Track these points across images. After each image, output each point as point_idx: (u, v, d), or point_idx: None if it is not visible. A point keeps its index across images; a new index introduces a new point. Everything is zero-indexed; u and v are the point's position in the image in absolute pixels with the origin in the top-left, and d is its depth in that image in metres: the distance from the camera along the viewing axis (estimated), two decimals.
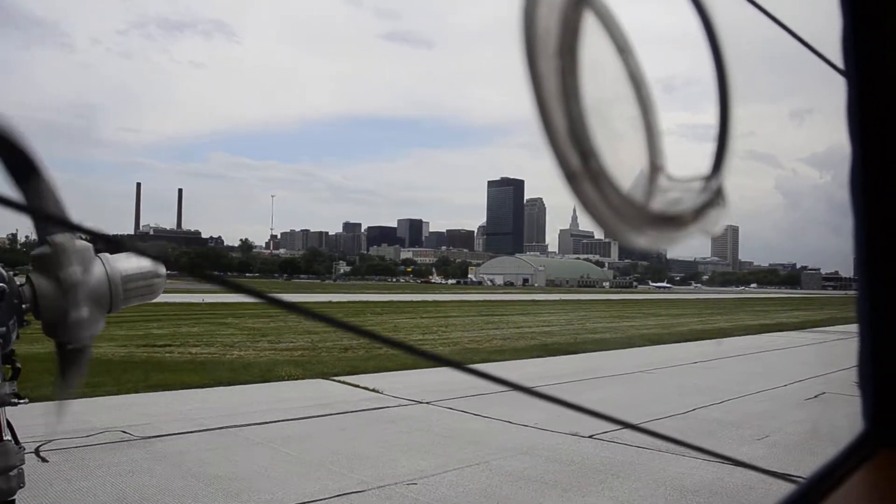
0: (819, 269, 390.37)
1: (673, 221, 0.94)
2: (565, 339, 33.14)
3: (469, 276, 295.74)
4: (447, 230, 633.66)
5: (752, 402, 16.60)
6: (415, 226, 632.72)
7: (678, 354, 27.20)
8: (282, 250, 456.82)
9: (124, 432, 12.33)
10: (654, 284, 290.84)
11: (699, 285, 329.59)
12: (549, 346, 29.56)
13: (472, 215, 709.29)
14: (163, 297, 3.05)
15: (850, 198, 1.65)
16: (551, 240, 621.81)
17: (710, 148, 0.99)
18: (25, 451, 2.60)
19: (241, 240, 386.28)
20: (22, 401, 2.55)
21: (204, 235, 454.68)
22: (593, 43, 0.83)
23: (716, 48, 0.98)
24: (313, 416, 14.19)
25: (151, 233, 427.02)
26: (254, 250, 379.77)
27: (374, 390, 17.41)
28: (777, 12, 1.22)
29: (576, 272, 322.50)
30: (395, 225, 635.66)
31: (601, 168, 0.81)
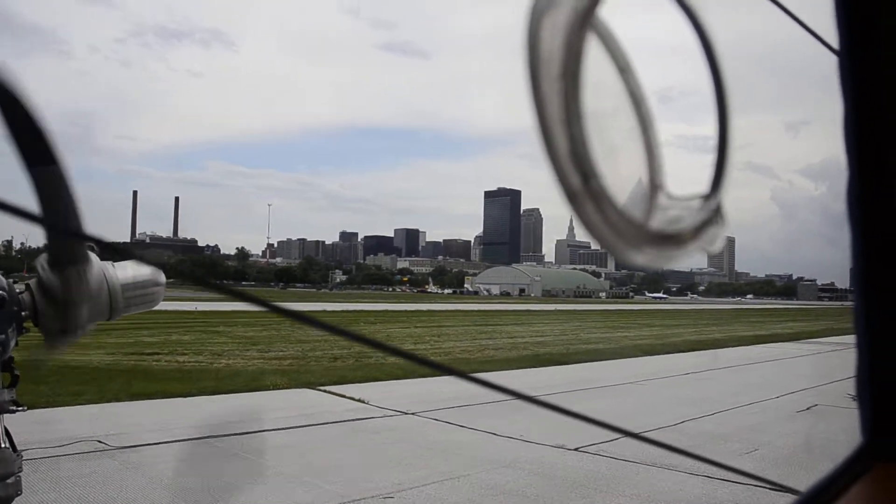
0: (815, 280, 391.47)
1: (672, 240, 0.94)
2: (557, 350, 32.85)
3: (465, 285, 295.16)
4: (444, 240, 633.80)
5: (743, 414, 16.33)
6: (411, 235, 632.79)
7: (671, 365, 26.94)
8: (278, 259, 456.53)
9: (100, 442, 12.04)
10: (651, 295, 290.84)
11: (695, 296, 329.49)
12: (541, 357, 29.31)
13: (468, 225, 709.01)
14: (157, 305, 2.94)
15: (847, 207, 1.63)
16: (548, 250, 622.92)
17: (707, 159, 0.99)
18: (24, 459, 2.57)
19: (237, 248, 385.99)
20: (20, 408, 2.51)
21: (200, 244, 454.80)
22: (595, 64, 0.83)
23: (712, 61, 0.98)
24: (294, 427, 13.89)
25: (147, 241, 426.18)
26: (250, 259, 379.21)
27: (359, 400, 17.13)
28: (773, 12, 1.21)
29: (572, 282, 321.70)
30: (391, 234, 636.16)
31: (601, 188, 0.82)
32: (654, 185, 0.95)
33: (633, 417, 15.01)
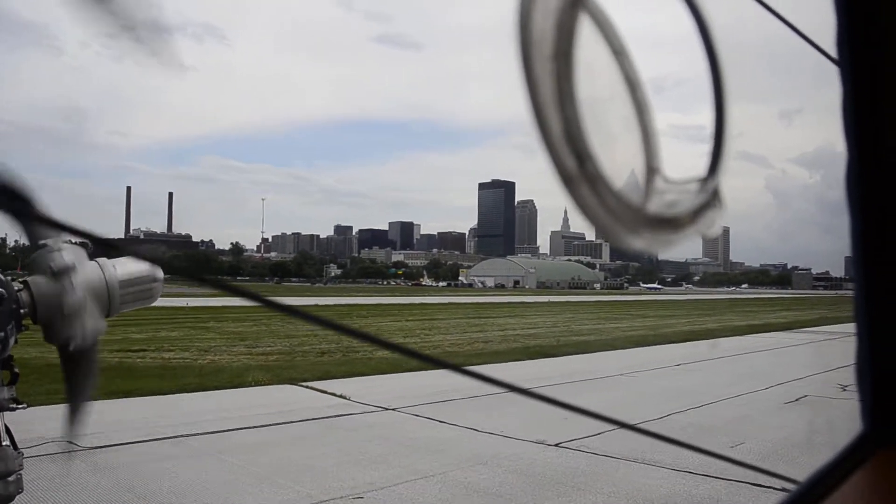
0: (810, 269, 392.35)
1: (670, 223, 0.95)
2: (548, 342, 32.58)
3: (460, 278, 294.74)
4: (438, 232, 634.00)
5: (732, 406, 16.03)
6: (406, 228, 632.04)
7: (662, 356, 26.66)
8: (273, 254, 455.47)
9: (70, 442, 11.69)
10: (645, 286, 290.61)
11: (690, 286, 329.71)
12: (531, 349, 29.02)
13: (463, 217, 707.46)
14: (155, 301, 3.03)
15: (846, 194, 1.64)
16: (543, 241, 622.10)
17: (702, 149, 1.00)
18: (24, 457, 2.63)
19: (231, 243, 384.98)
20: (20, 406, 2.58)
21: (195, 239, 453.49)
22: (588, 46, 0.83)
23: (710, 49, 0.98)
24: (272, 424, 13.59)
25: (142, 237, 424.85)
26: (245, 254, 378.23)
27: (341, 396, 16.83)
28: (772, 5, 1.22)
29: (567, 274, 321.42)
30: (386, 228, 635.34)
31: (597, 171, 0.82)
32: (651, 168, 0.95)
33: (620, 410, 14.67)
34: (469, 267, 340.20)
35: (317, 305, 63.96)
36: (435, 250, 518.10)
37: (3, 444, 2.60)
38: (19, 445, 2.70)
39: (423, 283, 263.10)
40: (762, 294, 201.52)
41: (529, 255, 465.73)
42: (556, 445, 11.99)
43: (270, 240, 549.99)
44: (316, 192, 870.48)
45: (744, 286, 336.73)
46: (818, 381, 19.95)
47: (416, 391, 17.42)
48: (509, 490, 9.69)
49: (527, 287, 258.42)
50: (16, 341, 2.53)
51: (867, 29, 1.55)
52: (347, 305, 68.19)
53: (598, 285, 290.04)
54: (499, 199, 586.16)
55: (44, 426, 12.29)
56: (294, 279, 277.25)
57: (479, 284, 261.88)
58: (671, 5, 0.95)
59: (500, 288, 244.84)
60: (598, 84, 0.89)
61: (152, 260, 3.70)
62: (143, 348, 27.22)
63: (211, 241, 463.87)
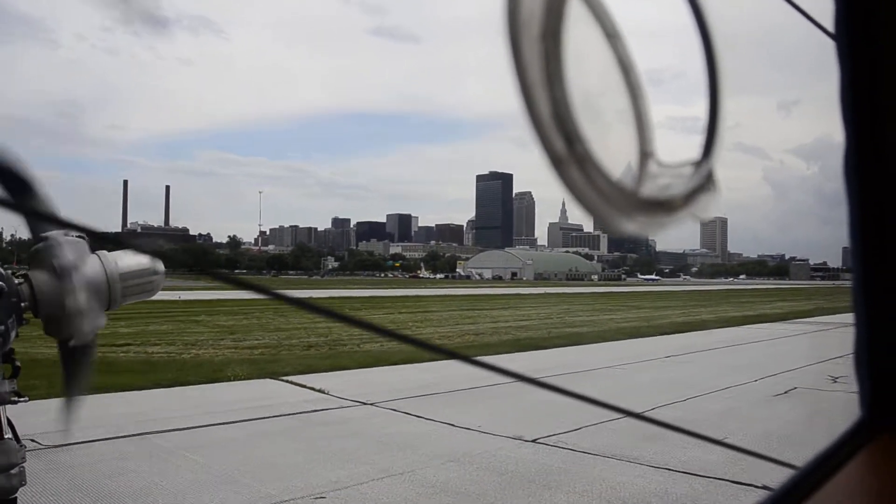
0: (807, 260, 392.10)
1: (663, 206, 0.94)
2: (539, 334, 32.22)
3: (457, 270, 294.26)
4: (436, 225, 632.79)
5: (718, 399, 15.59)
6: (404, 221, 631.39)
7: (653, 348, 26.34)
8: (270, 247, 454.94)
9: (33, 440, 11.28)
10: (643, 277, 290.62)
11: (688, 277, 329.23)
12: (521, 342, 28.65)
13: (461, 210, 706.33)
14: (155, 294, 3.01)
15: (844, 180, 1.64)
16: (541, 233, 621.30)
17: (699, 140, 1.00)
18: (27, 450, 2.64)
19: (229, 236, 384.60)
20: (22, 399, 2.60)
21: (192, 232, 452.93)
22: (579, 27, 0.83)
23: (705, 36, 0.98)
24: (244, 420, 13.20)
25: (139, 230, 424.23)
26: (242, 247, 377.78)
27: (320, 391, 16.45)
28: None
29: (564, 265, 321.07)
30: (384, 220, 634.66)
31: (587, 153, 0.81)
32: (644, 152, 0.94)
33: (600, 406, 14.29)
34: (467, 259, 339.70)
35: (311, 298, 63.17)
36: (433, 242, 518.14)
37: (6, 437, 2.60)
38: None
39: (421, 276, 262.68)
40: (759, 285, 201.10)
41: (527, 247, 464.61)
42: (534, 441, 11.60)
43: (268, 233, 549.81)
44: (313, 184, 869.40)
45: (741, 277, 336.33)
46: (809, 373, 19.61)
47: (397, 385, 17.11)
48: (478, 489, 9.27)
49: (524, 279, 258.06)
50: (17, 335, 2.53)
51: (866, 5, 1.54)
52: (342, 298, 67.77)
53: (595, 276, 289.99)
54: (496, 190, 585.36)
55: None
56: (291, 272, 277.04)
57: (477, 276, 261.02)
58: None
59: (497, 280, 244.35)
60: (589, 66, 0.88)
61: (153, 253, 3.75)
62: (128, 342, 26.83)
63: (209, 234, 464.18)
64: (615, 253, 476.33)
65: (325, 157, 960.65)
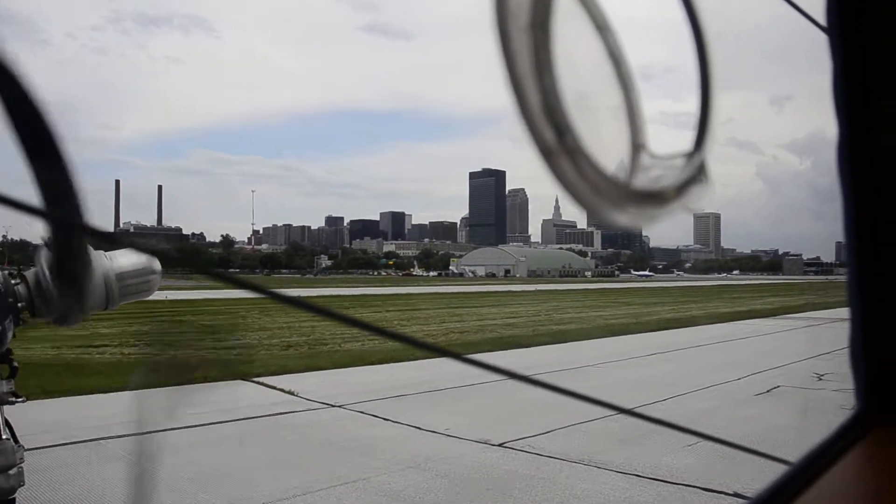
0: (801, 255, 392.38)
1: (654, 198, 0.94)
2: (524, 332, 31.77)
3: (450, 267, 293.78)
4: (430, 222, 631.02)
5: (698, 398, 15.12)
6: (397, 218, 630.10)
7: (638, 346, 25.81)
8: (264, 245, 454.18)
9: None
10: (636, 273, 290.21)
11: (681, 273, 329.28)
12: (505, 340, 28.20)
13: (455, 207, 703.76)
14: (153, 294, 2.83)
15: (838, 172, 1.65)
16: (534, 230, 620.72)
17: (691, 135, 1.00)
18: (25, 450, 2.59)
19: (222, 235, 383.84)
20: (20, 399, 2.54)
21: (186, 232, 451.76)
22: (568, 19, 0.83)
23: (697, 29, 0.98)
24: (205, 424, 12.67)
25: (132, 230, 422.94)
26: (235, 246, 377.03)
27: (289, 392, 15.98)
28: None
29: (558, 262, 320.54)
30: (377, 218, 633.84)
31: (577, 144, 0.81)
32: (636, 144, 0.94)
33: (574, 407, 13.73)
34: (461, 256, 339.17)
35: (300, 297, 63.04)
36: (426, 240, 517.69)
37: (3, 437, 2.52)
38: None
39: (414, 273, 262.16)
40: (752, 280, 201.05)
41: (521, 244, 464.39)
42: (500, 445, 11.15)
43: (262, 231, 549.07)
44: (306, 183, 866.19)
45: (735, 272, 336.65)
46: (794, 371, 19.19)
47: (370, 386, 16.69)
48: (433, 497, 8.80)
49: (517, 276, 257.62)
50: (14, 335, 2.45)
51: (859, 6, 1.56)
52: (332, 296, 67.32)
53: (588, 273, 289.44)
54: (490, 188, 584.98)
55: None
56: (285, 271, 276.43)
57: (470, 274, 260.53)
58: None
59: (490, 277, 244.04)
60: (579, 58, 0.87)
61: (151, 252, 3.28)
62: (106, 344, 26.30)
63: (202, 233, 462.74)
64: (609, 249, 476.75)
65: (317, 155, 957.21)
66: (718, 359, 22.57)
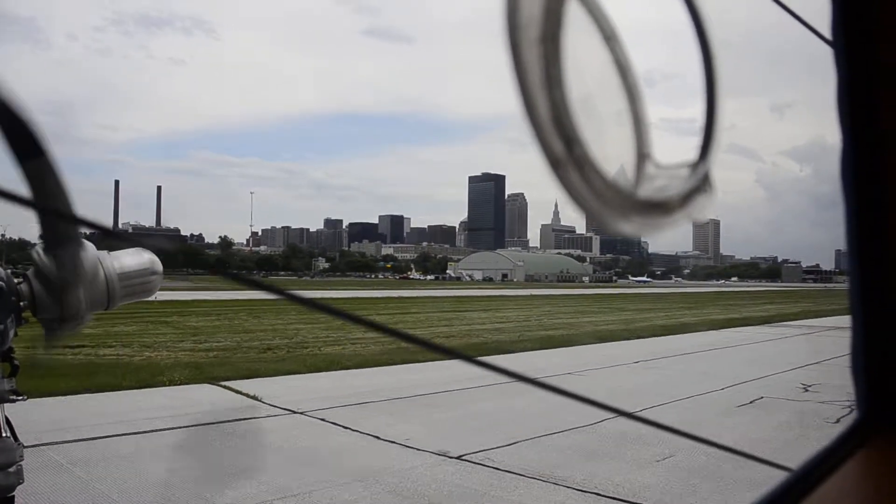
0: (800, 263, 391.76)
1: (659, 208, 0.94)
2: (509, 338, 31.19)
3: (448, 271, 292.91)
4: (429, 226, 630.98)
5: (677, 409, 14.47)
6: (396, 222, 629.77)
7: (623, 353, 25.20)
8: (262, 247, 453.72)
9: None
10: (634, 279, 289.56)
11: (680, 279, 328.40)
12: (489, 345, 27.73)
13: (453, 211, 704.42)
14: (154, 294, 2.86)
15: (841, 182, 1.64)
16: (533, 235, 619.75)
17: (693, 142, 1.01)
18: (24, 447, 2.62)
19: (220, 237, 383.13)
20: (21, 398, 2.57)
21: (184, 233, 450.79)
22: (578, 30, 0.83)
23: (703, 39, 0.99)
24: (157, 430, 12.09)
25: (130, 230, 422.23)
26: (234, 247, 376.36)
27: (253, 397, 15.38)
28: None
29: (555, 267, 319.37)
30: (376, 221, 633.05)
31: (585, 155, 0.81)
32: (642, 154, 0.95)
33: (547, 416, 13.15)
34: (459, 260, 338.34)
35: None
36: (425, 244, 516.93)
37: (4, 435, 2.55)
38: None
39: (411, 277, 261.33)
40: (750, 287, 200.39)
41: (520, 249, 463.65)
42: (458, 458, 10.53)
43: (260, 233, 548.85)
44: (306, 185, 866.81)
45: (733, 279, 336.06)
46: (781, 381, 18.58)
47: (339, 391, 16.16)
48: None
49: (515, 280, 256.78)
50: (15, 334, 2.49)
51: (863, 10, 1.55)
52: (324, 299, 66.40)
53: (586, 278, 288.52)
54: (489, 192, 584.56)
55: None
56: (282, 273, 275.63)
57: (467, 278, 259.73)
58: None
59: (488, 281, 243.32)
60: (588, 68, 0.88)
61: (157, 252, 3.26)
62: (84, 344, 25.66)
63: (200, 234, 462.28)
64: (607, 255, 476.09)
65: (317, 157, 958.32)
66: (704, 368, 21.94)
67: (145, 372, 19.00)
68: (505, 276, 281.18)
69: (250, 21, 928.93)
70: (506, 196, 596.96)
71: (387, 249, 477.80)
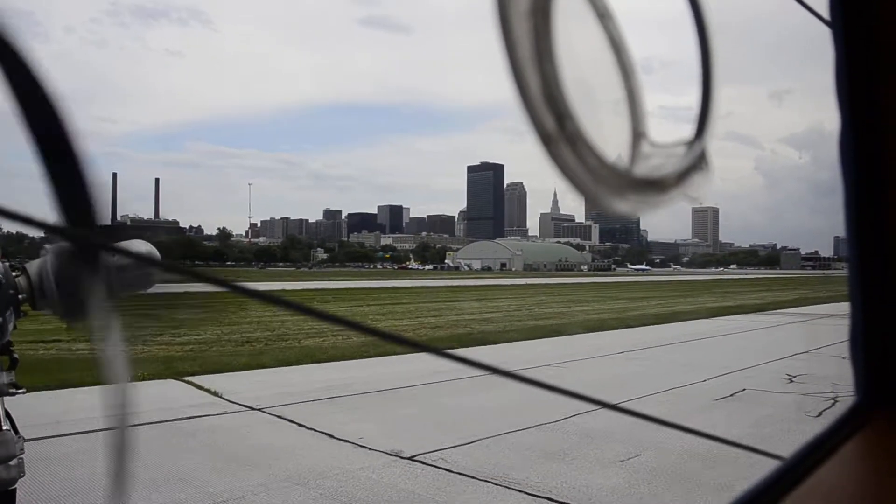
0: (798, 249, 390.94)
1: (655, 186, 0.94)
2: (494, 328, 30.58)
3: (446, 261, 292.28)
4: (428, 216, 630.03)
5: (651, 403, 13.72)
6: (395, 212, 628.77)
7: (608, 343, 24.50)
8: (262, 239, 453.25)
9: None
10: (633, 267, 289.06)
11: (679, 267, 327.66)
12: (474, 336, 27.09)
13: (453, 201, 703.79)
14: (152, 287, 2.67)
15: (840, 163, 1.64)
16: (533, 224, 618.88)
17: (692, 129, 1.00)
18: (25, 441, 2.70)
19: (218, 229, 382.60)
20: (20, 391, 2.83)
21: (183, 225, 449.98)
22: (570, 5, 0.82)
23: (699, 21, 0.98)
24: (91, 431, 11.35)
25: (128, 223, 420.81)
26: (232, 239, 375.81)
27: (214, 393, 14.76)
28: None
29: (554, 256, 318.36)
30: (375, 211, 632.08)
31: (578, 131, 0.80)
32: (637, 132, 0.93)
33: (515, 413, 12.49)
34: (458, 250, 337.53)
35: (284, 290, 61.99)
36: (424, 233, 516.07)
37: (4, 428, 2.70)
38: None
39: (409, 267, 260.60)
40: (749, 274, 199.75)
41: (519, 238, 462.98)
42: (410, 458, 9.88)
43: (259, 225, 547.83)
44: (304, 176, 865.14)
45: (732, 267, 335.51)
46: (765, 372, 17.93)
47: (304, 386, 15.57)
48: None
49: (513, 269, 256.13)
50: (15, 327, 2.60)
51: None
52: (315, 290, 66.40)
53: (585, 267, 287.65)
54: (488, 181, 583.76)
55: None
56: (280, 264, 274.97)
57: (465, 267, 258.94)
58: None
59: (486, 270, 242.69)
60: (580, 45, 0.85)
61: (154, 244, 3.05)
62: (57, 339, 25.07)
63: (199, 226, 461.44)
64: (607, 243, 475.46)
65: (315, 148, 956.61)
66: (689, 358, 21.27)
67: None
68: (503, 265, 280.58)
69: (247, 12, 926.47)
70: (505, 185, 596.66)
71: (386, 240, 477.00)
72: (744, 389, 15.34)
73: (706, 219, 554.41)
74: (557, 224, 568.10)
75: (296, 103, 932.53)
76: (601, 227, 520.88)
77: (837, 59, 1.57)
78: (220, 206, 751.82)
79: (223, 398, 14.25)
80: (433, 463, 9.62)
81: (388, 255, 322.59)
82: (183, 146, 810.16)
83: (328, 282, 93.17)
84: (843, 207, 1.62)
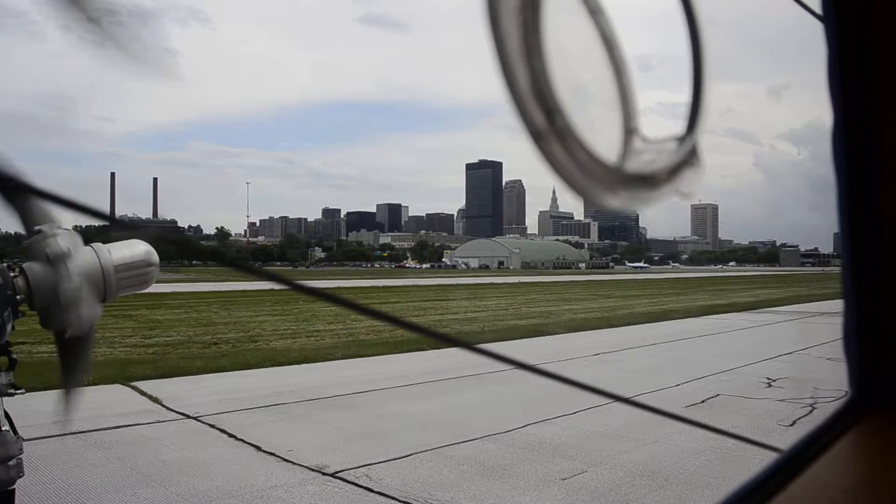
0: (797, 246, 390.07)
1: (647, 181, 0.93)
2: (475, 328, 29.84)
3: (443, 259, 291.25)
4: (426, 214, 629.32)
5: (610, 413, 12.76)
6: (394, 210, 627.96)
7: (587, 344, 23.63)
8: (260, 238, 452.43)
9: None
10: (631, 265, 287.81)
11: (677, 265, 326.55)
12: (447, 337, 26.15)
13: (451, 199, 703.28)
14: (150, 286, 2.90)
15: (833, 158, 1.63)
16: (531, 222, 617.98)
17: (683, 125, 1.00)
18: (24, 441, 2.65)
19: (216, 228, 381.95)
20: (19, 391, 2.76)
21: (182, 224, 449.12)
22: (560, 1, 0.82)
23: (691, 17, 0.97)
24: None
25: (127, 223, 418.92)
26: (231, 238, 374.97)
27: (154, 399, 13.95)
28: None
29: (552, 254, 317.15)
30: (374, 210, 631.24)
31: (568, 126, 0.80)
32: (628, 128, 0.93)
33: (471, 420, 11.73)
34: (456, 248, 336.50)
35: (272, 290, 61.22)
36: (423, 232, 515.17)
37: (3, 428, 2.66)
38: None
39: (407, 266, 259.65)
40: (747, 272, 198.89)
41: (517, 236, 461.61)
42: (333, 475, 9.07)
43: (258, 224, 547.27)
44: (303, 175, 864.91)
45: (731, 264, 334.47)
46: (744, 375, 17.10)
47: (257, 391, 15.02)
48: None
49: (511, 268, 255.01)
50: (13, 328, 2.59)
51: None
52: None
53: (583, 265, 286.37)
54: (487, 179, 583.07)
55: None
56: (278, 263, 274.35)
57: (463, 265, 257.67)
58: None
59: (484, 269, 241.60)
60: (571, 40, 0.85)
61: (153, 242, 3.08)
62: (24, 340, 24.20)
63: (198, 226, 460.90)
64: (605, 241, 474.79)
65: (314, 147, 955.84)
66: (666, 360, 20.35)
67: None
68: (501, 263, 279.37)
69: (245, 10, 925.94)
70: (503, 183, 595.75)
71: (385, 238, 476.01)
72: (717, 395, 14.51)
73: (705, 216, 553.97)
74: (556, 222, 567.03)
75: (295, 102, 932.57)
76: (600, 224, 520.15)
77: (830, 54, 1.57)
78: (218, 205, 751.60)
79: (162, 405, 13.48)
80: (355, 480, 8.80)
81: (385, 254, 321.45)
82: (182, 146, 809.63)
83: (322, 281, 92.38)
84: (837, 205, 1.63)
